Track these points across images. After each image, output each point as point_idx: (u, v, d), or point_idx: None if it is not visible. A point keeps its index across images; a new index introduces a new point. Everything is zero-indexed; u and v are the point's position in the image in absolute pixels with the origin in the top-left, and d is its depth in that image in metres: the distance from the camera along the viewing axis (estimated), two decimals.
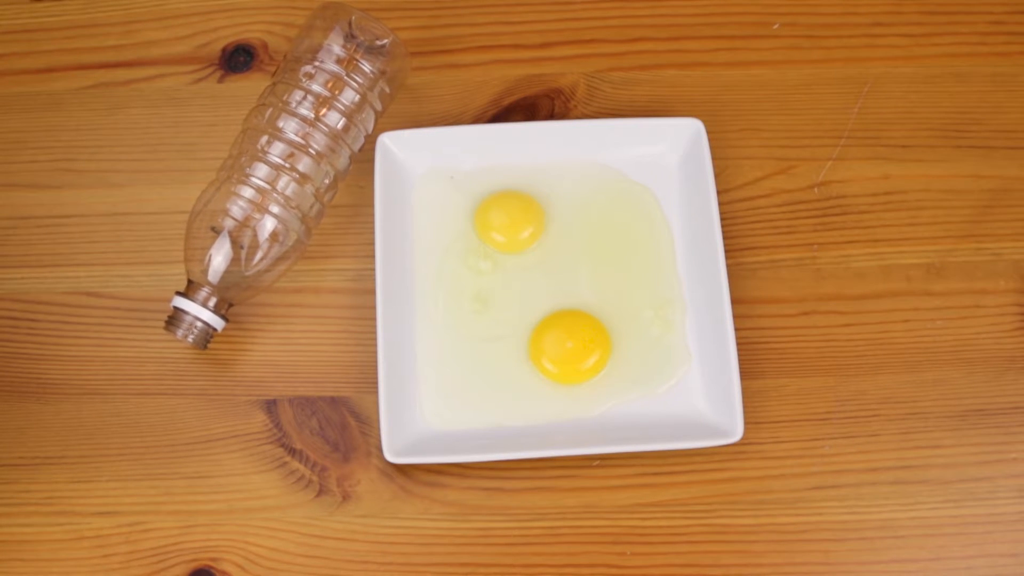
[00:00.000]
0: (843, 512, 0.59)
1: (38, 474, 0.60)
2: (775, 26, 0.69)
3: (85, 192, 0.66)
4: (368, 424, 0.61)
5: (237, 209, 0.59)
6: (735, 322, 0.60)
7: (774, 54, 0.68)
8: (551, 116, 0.67)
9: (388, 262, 0.61)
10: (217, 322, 0.60)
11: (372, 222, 0.63)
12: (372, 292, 0.62)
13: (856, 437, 0.60)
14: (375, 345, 0.60)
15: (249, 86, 0.67)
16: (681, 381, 0.61)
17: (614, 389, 0.61)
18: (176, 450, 0.61)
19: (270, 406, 0.61)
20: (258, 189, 0.59)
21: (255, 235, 0.59)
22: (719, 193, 0.64)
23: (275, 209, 0.59)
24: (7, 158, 0.66)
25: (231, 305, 0.61)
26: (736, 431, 0.58)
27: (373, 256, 0.62)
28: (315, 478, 0.60)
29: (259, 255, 0.60)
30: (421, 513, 0.59)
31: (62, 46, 0.69)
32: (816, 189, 0.65)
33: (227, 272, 0.59)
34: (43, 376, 0.62)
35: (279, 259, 0.60)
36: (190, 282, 0.60)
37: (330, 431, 0.61)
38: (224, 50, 0.68)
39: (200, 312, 0.59)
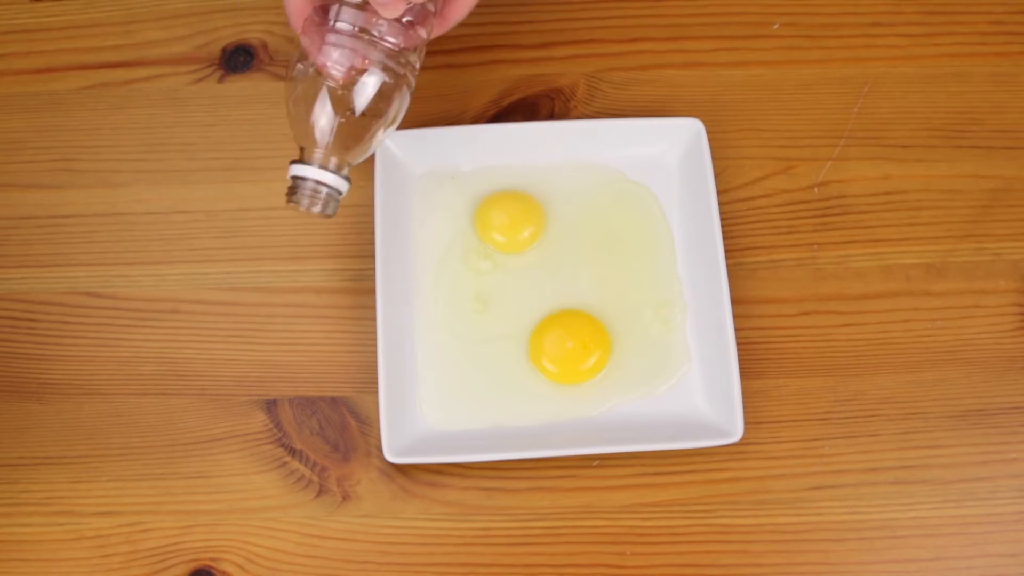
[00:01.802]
0: (843, 512, 0.59)
1: (38, 474, 0.60)
2: (775, 26, 0.69)
3: (85, 192, 0.66)
4: (368, 424, 0.61)
5: (336, 62, 0.55)
6: (735, 322, 0.60)
7: (774, 54, 0.68)
8: (551, 116, 0.67)
9: (388, 262, 0.61)
10: (341, 183, 0.56)
11: (372, 222, 0.63)
12: (372, 292, 0.62)
13: (856, 437, 0.60)
14: (375, 345, 0.60)
15: (249, 86, 0.67)
16: (681, 381, 0.61)
17: (614, 389, 0.61)
18: (176, 450, 0.61)
19: (270, 406, 0.61)
20: (353, 36, 0.56)
21: (360, 85, 0.56)
22: (719, 193, 0.64)
23: (375, 56, 0.56)
24: (7, 158, 0.66)
25: (349, 166, 0.57)
26: (736, 431, 0.58)
27: (373, 256, 0.62)
28: (315, 478, 0.60)
29: (366, 104, 0.56)
30: (421, 513, 0.59)
31: (62, 46, 0.69)
32: (816, 189, 0.65)
33: (337, 127, 0.56)
34: (43, 376, 0.62)
35: (386, 107, 0.57)
36: (302, 149, 0.57)
37: (330, 431, 0.61)
38: (224, 50, 0.68)
39: (322, 175, 0.56)
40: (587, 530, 0.59)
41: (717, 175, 0.65)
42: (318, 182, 0.56)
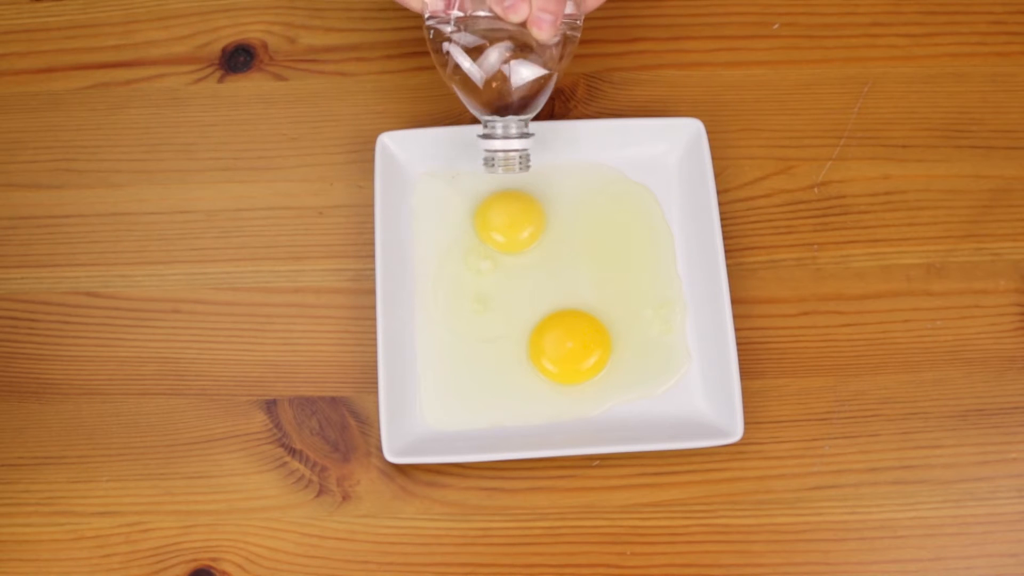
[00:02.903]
0: (843, 512, 0.59)
1: (38, 474, 0.60)
2: (775, 26, 0.69)
3: (85, 192, 0.66)
4: (368, 424, 0.61)
5: (487, 33, 0.58)
6: (735, 322, 0.60)
7: (774, 54, 0.68)
8: (551, 116, 0.67)
9: (388, 262, 0.61)
10: (527, 143, 0.60)
11: (372, 222, 0.63)
12: (372, 292, 0.62)
13: (856, 437, 0.60)
14: (375, 345, 0.60)
15: (249, 86, 0.67)
16: (681, 381, 0.61)
17: (614, 389, 0.61)
18: (176, 450, 0.61)
19: (270, 406, 0.61)
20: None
21: (520, 51, 0.58)
22: (719, 193, 0.64)
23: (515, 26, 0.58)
24: (7, 158, 0.66)
25: (527, 123, 0.61)
26: (736, 431, 0.58)
27: (373, 256, 0.62)
28: (315, 478, 0.60)
29: (531, 69, 0.59)
30: (421, 513, 0.59)
31: (62, 46, 0.69)
32: (816, 189, 0.65)
33: (509, 99, 0.59)
34: (43, 376, 0.62)
35: (556, 57, 0.59)
36: (484, 123, 0.60)
37: (330, 431, 0.61)
38: (224, 50, 0.69)
39: (508, 144, 0.60)
40: (587, 530, 0.59)
41: (717, 175, 0.65)
42: (507, 151, 0.60)
